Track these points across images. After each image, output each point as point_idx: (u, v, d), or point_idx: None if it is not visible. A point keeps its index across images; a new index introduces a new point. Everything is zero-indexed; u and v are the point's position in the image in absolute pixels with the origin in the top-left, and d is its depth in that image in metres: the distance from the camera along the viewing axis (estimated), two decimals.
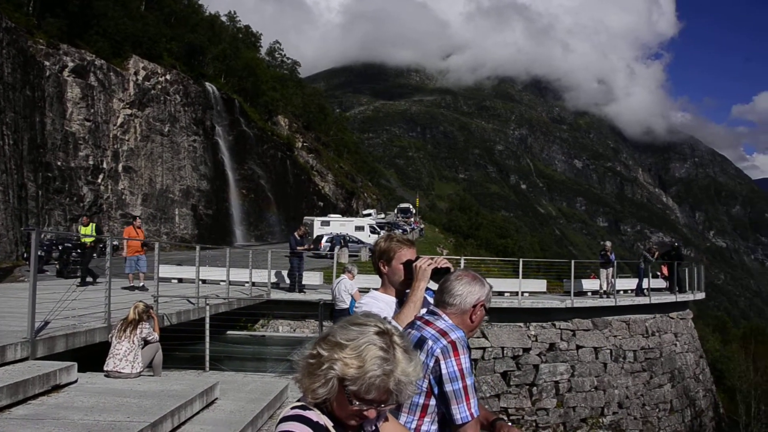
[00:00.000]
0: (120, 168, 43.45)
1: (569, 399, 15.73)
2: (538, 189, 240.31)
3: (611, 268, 18.27)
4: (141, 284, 14.15)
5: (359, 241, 37.33)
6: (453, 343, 2.19)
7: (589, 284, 19.74)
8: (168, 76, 49.16)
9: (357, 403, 1.52)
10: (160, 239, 40.83)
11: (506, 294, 17.28)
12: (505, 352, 15.56)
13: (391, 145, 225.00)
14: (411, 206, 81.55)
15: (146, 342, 7.41)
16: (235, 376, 8.63)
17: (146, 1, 58.81)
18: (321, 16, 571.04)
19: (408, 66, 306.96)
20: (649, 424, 16.89)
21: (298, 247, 16.21)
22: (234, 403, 6.36)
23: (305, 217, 48.56)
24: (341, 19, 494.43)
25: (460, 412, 2.16)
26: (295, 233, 16.66)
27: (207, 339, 10.31)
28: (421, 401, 2.21)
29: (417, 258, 2.69)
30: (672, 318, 19.42)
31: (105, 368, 6.84)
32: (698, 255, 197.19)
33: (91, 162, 40.49)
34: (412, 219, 72.18)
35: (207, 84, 57.37)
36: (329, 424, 1.56)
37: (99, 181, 41.39)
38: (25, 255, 27.39)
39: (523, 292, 17.04)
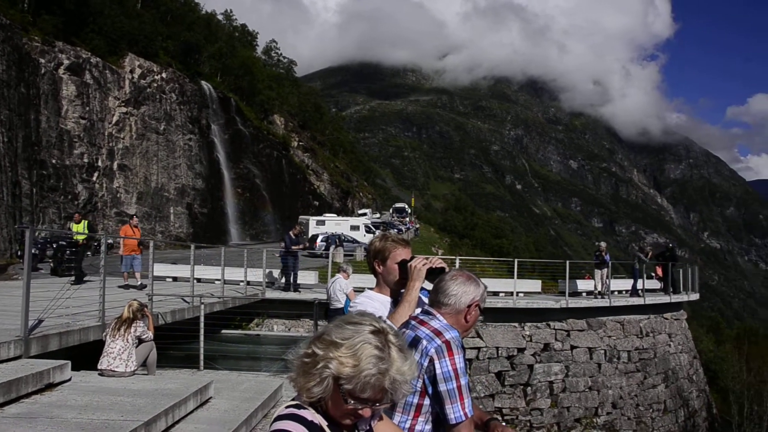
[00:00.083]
0: (115, 166, 43.34)
1: (563, 399, 15.76)
2: (533, 189, 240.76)
3: (606, 269, 18.32)
4: (138, 283, 14.09)
5: (354, 241, 37.34)
6: (447, 343, 2.19)
7: (583, 285, 19.79)
8: (164, 75, 49.07)
9: (352, 401, 1.52)
10: (155, 238, 40.72)
11: (501, 294, 17.30)
12: (499, 352, 15.58)
13: (387, 145, 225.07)
14: (406, 206, 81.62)
15: (140, 341, 7.38)
16: (230, 375, 8.62)
17: None
18: (318, 16, 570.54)
19: (404, 66, 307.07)
20: (642, 424, 16.95)
21: (293, 247, 16.20)
22: (228, 402, 6.35)
23: (300, 217, 48.49)
24: (338, 19, 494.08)
25: (454, 411, 2.16)
26: (291, 232, 16.65)
27: (201, 338, 10.30)
28: (415, 401, 2.21)
29: (412, 258, 2.69)
30: (666, 319, 19.48)
31: (99, 367, 6.82)
32: (692, 256, 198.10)
33: (86, 160, 40.38)
34: (408, 219, 72.22)
35: (203, 82, 57.31)
36: (324, 423, 1.56)
37: (94, 179, 41.27)
38: (19, 253, 27.33)
39: (517, 293, 17.06)
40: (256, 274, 16.69)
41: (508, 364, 15.59)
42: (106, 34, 44.80)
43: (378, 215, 73.86)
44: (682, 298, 20.82)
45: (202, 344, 10.22)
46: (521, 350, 15.82)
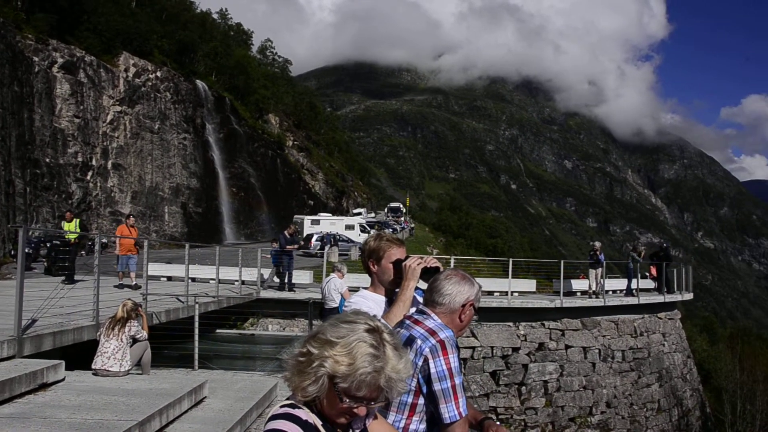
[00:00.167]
0: (109, 165, 43.20)
1: (558, 398, 15.81)
2: (528, 189, 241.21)
3: (600, 269, 18.37)
4: (134, 283, 14.05)
5: (349, 240, 37.33)
6: (442, 342, 2.20)
7: (578, 284, 19.83)
8: (158, 74, 48.93)
9: (347, 400, 1.52)
10: (149, 237, 40.61)
11: (496, 294, 17.33)
12: (494, 351, 15.62)
13: (382, 144, 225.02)
14: (401, 205, 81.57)
15: (135, 340, 7.37)
16: (224, 375, 8.60)
17: None
18: (313, 15, 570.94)
19: (399, 65, 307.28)
20: (636, 423, 17.01)
21: (288, 246, 16.20)
22: (223, 402, 6.34)
23: (295, 216, 48.47)
24: (333, 18, 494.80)
25: (449, 411, 2.16)
26: (286, 232, 16.65)
27: (196, 337, 10.28)
28: (410, 400, 2.21)
29: (407, 257, 2.69)
30: (660, 318, 19.56)
31: (93, 366, 6.80)
32: (686, 256, 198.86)
33: (80, 159, 40.23)
34: (402, 218, 72.22)
35: (198, 81, 57.14)
36: (318, 422, 1.56)
37: (88, 178, 41.12)
38: (12, 252, 27.21)
39: (512, 292, 17.09)
40: (251, 274, 16.68)
41: (502, 363, 15.63)
42: (100, 33, 44.63)
43: (373, 215, 73.86)
44: (676, 297, 20.90)
45: (196, 344, 10.19)
46: (516, 350, 15.86)
